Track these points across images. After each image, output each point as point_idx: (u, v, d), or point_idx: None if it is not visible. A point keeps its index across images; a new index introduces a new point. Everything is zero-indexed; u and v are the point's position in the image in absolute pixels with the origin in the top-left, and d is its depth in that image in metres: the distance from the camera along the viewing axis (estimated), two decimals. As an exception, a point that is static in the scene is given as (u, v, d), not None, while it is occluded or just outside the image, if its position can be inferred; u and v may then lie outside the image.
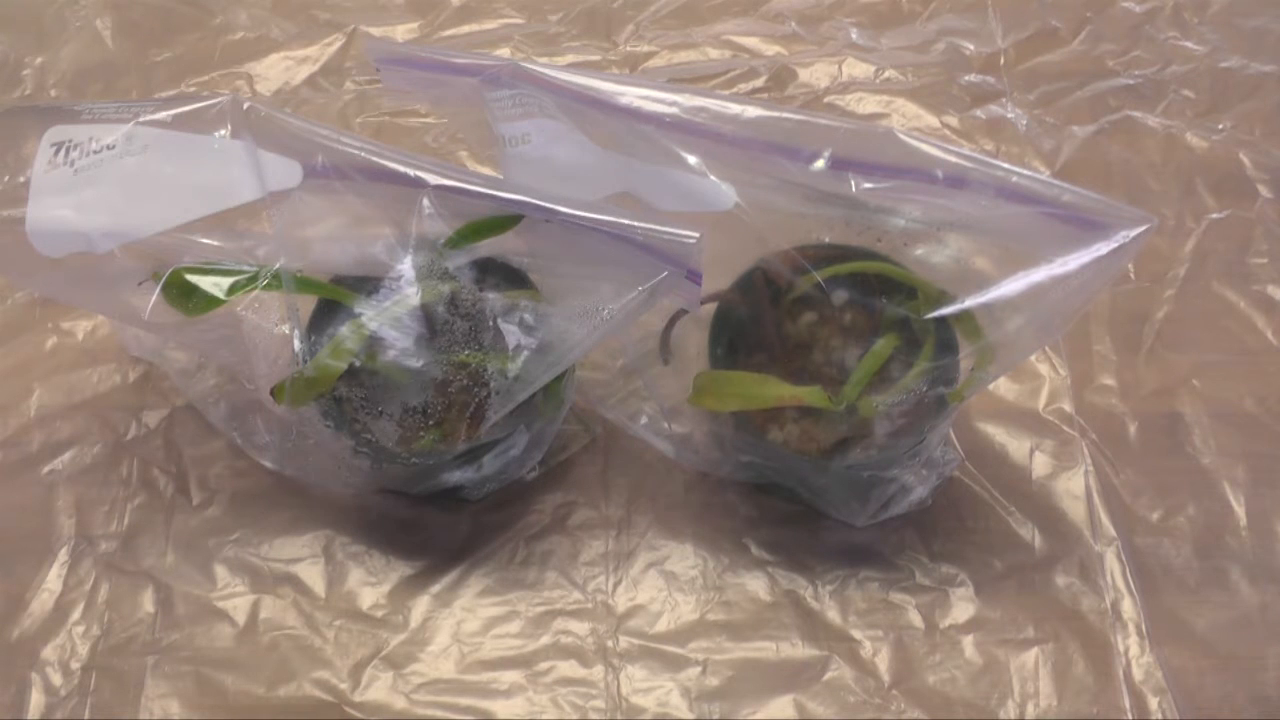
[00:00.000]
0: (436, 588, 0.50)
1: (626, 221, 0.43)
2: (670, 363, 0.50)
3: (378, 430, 0.46)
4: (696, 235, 0.42)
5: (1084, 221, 0.42)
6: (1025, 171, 0.43)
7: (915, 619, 0.49)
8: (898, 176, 0.44)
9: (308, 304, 0.48)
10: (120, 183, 0.45)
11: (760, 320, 0.49)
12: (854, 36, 0.68)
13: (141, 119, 0.46)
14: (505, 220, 0.45)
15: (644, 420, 0.53)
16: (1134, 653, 0.48)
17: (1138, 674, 0.48)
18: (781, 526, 0.51)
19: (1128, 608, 0.49)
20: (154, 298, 0.45)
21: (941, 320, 0.45)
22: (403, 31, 0.69)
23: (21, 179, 0.45)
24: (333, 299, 0.48)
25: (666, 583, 0.50)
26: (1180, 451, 0.53)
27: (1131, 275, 0.58)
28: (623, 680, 0.48)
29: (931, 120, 0.65)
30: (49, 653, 0.49)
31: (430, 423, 0.46)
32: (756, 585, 0.50)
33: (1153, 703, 0.47)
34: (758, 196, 0.45)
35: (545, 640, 0.49)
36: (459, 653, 0.49)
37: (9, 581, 0.50)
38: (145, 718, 0.47)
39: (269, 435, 0.52)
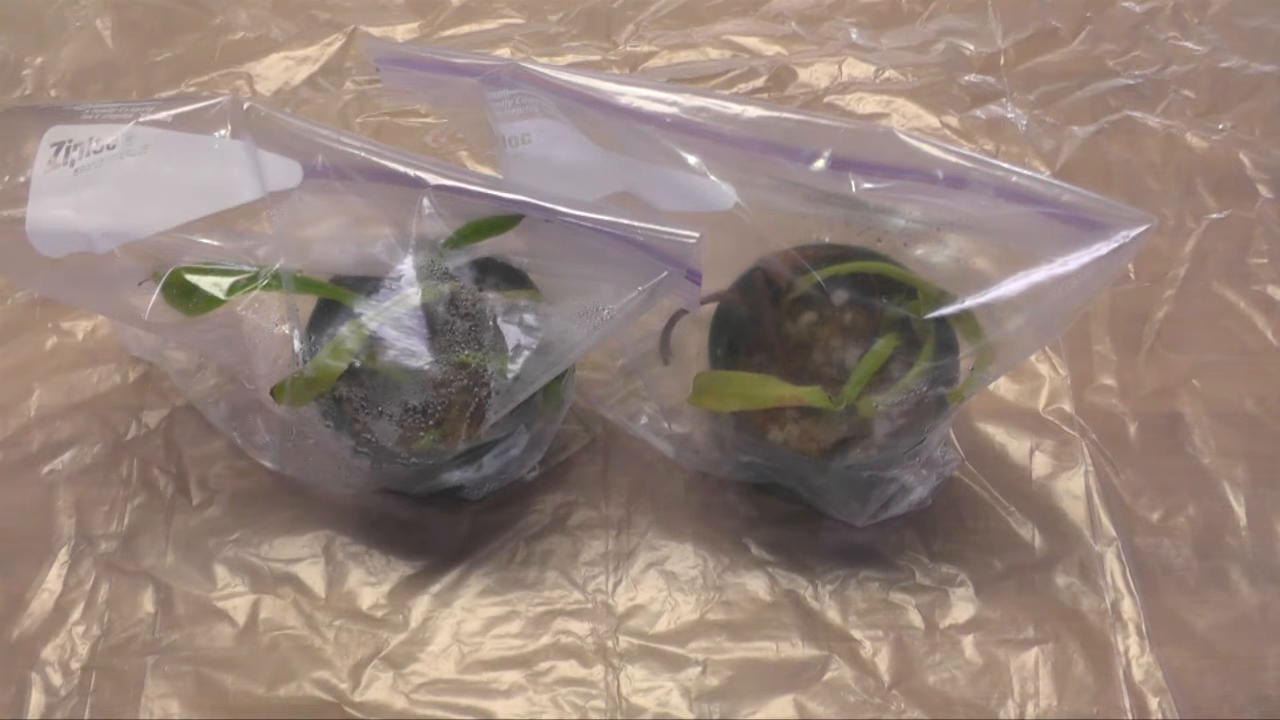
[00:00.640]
0: (436, 588, 0.50)
1: (626, 221, 0.43)
2: (670, 363, 0.50)
3: (378, 430, 0.46)
4: (696, 235, 0.42)
5: (1084, 221, 0.42)
6: (1025, 171, 0.43)
7: (915, 619, 0.49)
8: (898, 176, 0.44)
9: (308, 304, 0.48)
10: (120, 183, 0.45)
11: (760, 320, 0.49)
12: (854, 36, 0.68)
13: (141, 119, 0.46)
14: (505, 220, 0.45)
15: (644, 420, 0.53)
16: (1134, 653, 0.48)
17: (1138, 674, 0.48)
18: (781, 526, 0.51)
19: (1128, 608, 0.49)
20: (154, 298, 0.45)
21: (941, 320, 0.45)
22: (403, 31, 0.69)
23: (21, 179, 0.45)
24: (333, 299, 0.48)
25: (666, 583, 0.50)
26: (1180, 451, 0.53)
27: (1131, 275, 0.58)
28: (623, 680, 0.48)
29: (931, 120, 0.65)
30: (49, 653, 0.49)
31: (430, 423, 0.46)
32: (756, 585, 0.50)
33: (1153, 703, 0.47)
34: (758, 196, 0.45)
35: (545, 640, 0.49)
36: (459, 653, 0.49)
37: (9, 581, 0.50)
38: (145, 718, 0.47)
39: (269, 435, 0.52)
